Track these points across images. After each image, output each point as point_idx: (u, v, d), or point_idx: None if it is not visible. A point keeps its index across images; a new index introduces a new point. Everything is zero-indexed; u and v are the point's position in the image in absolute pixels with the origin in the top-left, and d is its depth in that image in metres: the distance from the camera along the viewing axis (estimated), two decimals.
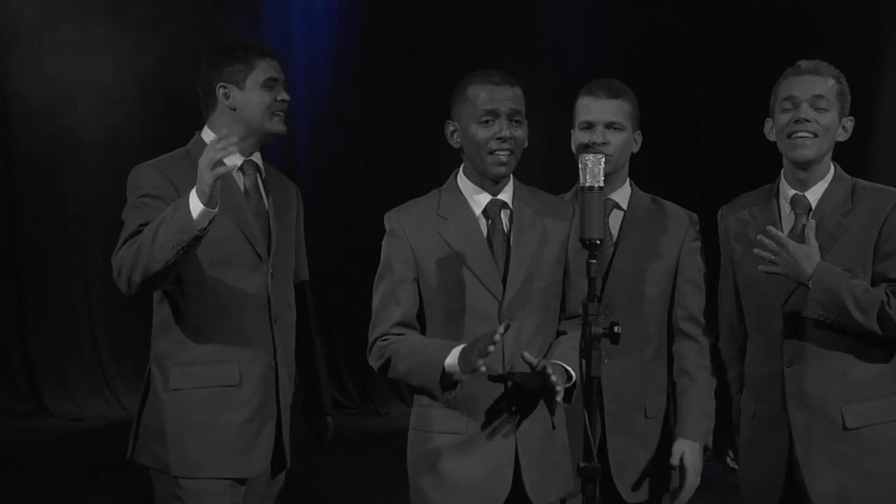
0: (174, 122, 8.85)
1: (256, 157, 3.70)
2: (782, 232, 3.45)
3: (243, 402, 3.54)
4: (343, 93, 9.33)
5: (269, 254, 3.61)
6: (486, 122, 3.29)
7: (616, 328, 3.01)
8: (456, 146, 3.40)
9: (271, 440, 3.59)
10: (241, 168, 3.64)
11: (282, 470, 3.68)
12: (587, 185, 3.08)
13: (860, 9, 6.91)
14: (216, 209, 3.28)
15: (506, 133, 3.29)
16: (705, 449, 3.62)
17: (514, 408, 3.30)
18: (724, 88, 8.47)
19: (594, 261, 3.06)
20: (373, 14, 9.35)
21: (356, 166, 9.30)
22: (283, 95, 3.63)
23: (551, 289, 3.38)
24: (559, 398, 3.15)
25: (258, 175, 3.68)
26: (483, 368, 3.01)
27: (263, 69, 3.62)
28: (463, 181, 3.41)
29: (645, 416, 3.62)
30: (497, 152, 3.30)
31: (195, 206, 3.27)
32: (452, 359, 3.14)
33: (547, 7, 9.11)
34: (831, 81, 3.48)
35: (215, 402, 3.53)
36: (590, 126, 3.63)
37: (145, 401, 3.62)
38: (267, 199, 3.67)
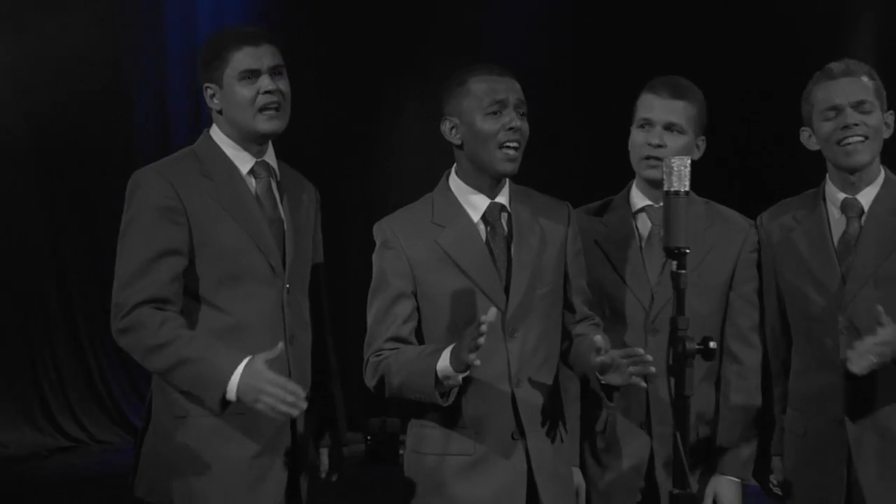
0: (60, 121, 8.47)
1: (269, 157, 3.34)
2: (830, 235, 3.34)
3: (255, 432, 3.18)
4: None
5: (284, 266, 3.26)
6: (494, 112, 3.16)
7: (711, 343, 2.80)
8: (458, 143, 3.22)
9: (284, 474, 3.24)
10: (252, 171, 3.29)
11: None
12: (672, 189, 2.87)
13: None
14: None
15: (516, 123, 3.15)
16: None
17: (523, 423, 3.15)
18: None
19: (683, 271, 2.85)
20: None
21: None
22: (267, 85, 3.21)
23: (553, 295, 3.25)
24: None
25: (272, 178, 3.33)
26: (477, 362, 2.88)
27: (238, 61, 3.22)
28: (457, 183, 3.25)
29: (698, 440, 3.40)
30: (507, 144, 3.15)
31: (232, 389, 3.04)
32: (444, 361, 2.99)
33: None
34: (866, 79, 3.37)
35: (224, 431, 3.17)
36: (648, 124, 3.43)
37: (147, 428, 3.26)
38: (282, 204, 3.32)
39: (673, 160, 2.88)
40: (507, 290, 3.16)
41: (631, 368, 2.96)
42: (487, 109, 3.15)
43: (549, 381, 3.23)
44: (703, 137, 3.49)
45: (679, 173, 2.86)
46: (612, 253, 3.45)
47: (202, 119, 7.48)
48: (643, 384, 2.99)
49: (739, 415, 3.43)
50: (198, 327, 3.17)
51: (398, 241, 3.19)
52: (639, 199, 3.50)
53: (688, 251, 2.84)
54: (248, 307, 3.19)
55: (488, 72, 3.20)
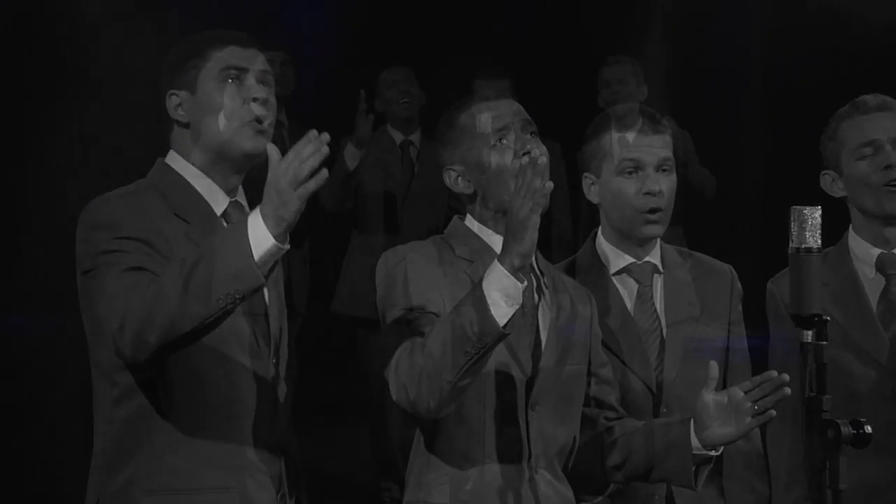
0: None
1: (241, 196, 2.63)
2: (869, 298, 3.01)
3: None
4: None
5: (268, 330, 2.57)
6: (500, 140, 2.69)
7: (866, 427, 2.33)
8: (469, 192, 2.73)
9: None
10: (225, 213, 2.57)
11: None
12: (804, 246, 2.37)
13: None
14: (287, 246, 2.28)
15: (529, 147, 2.66)
16: None
17: None
18: None
19: (824, 342, 2.38)
20: None
21: None
22: (257, 92, 2.51)
23: (579, 377, 2.78)
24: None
25: None
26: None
27: (220, 60, 2.53)
28: (477, 225, 2.75)
29: None
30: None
31: (261, 240, 2.24)
32: (492, 276, 2.43)
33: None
34: None
35: None
36: (637, 168, 2.93)
37: None
38: None
39: (805, 209, 2.38)
40: (535, 357, 2.67)
41: (765, 399, 2.56)
42: (490, 142, 2.69)
43: (563, 477, 2.75)
44: None
45: (813, 226, 2.38)
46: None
47: None
48: (773, 413, 2.57)
49: (763, 501, 3.07)
50: (172, 406, 2.45)
51: (425, 262, 2.66)
52: (615, 256, 3.01)
53: (828, 319, 2.38)
54: (236, 381, 2.50)
55: (478, 101, 2.77)
